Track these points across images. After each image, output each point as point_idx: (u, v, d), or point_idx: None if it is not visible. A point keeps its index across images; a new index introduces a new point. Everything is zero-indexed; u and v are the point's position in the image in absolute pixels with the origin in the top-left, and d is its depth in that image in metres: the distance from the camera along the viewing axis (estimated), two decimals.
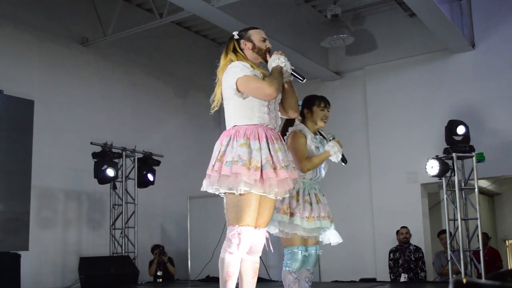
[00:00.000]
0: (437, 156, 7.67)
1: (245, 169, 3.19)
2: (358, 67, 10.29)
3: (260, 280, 8.60)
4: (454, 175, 7.57)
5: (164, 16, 8.56)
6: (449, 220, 7.71)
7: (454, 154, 7.54)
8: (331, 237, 4.07)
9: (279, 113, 3.59)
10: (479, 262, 7.40)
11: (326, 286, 8.06)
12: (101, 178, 8.23)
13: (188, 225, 9.36)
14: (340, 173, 9.20)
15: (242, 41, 3.59)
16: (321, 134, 4.26)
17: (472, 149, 7.60)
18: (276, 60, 3.49)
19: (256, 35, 3.60)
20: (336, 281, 8.82)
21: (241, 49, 3.57)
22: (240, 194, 3.25)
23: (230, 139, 3.34)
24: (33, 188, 7.43)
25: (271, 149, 3.31)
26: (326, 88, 10.34)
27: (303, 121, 4.18)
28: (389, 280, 8.60)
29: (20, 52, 8.09)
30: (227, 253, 3.30)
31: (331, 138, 4.09)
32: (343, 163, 4.10)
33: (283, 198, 3.83)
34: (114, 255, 8.48)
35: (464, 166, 7.84)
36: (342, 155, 4.03)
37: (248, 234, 3.30)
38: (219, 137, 3.44)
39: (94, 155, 8.30)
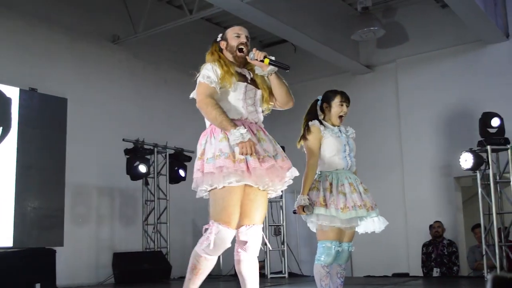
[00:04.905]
0: (471, 149, 7.56)
1: (229, 162, 3.07)
2: (389, 60, 10.17)
3: (292, 275, 8.62)
4: (489, 168, 7.45)
5: (194, 13, 8.58)
6: (483, 214, 7.59)
7: (488, 147, 7.43)
8: (375, 225, 4.08)
9: (260, 108, 3.45)
10: None
11: (358, 281, 8.02)
12: (133, 174, 8.32)
13: None
14: (372, 167, 9.15)
15: (221, 42, 3.50)
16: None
17: (507, 141, 7.47)
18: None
19: (230, 33, 3.48)
20: (369, 276, 8.77)
21: (221, 50, 3.48)
22: (222, 188, 3.12)
23: (207, 137, 3.28)
24: (67, 185, 7.56)
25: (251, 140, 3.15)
26: (357, 82, 10.26)
27: (323, 116, 4.22)
28: (421, 274, 8.52)
29: (53, 51, 8.21)
30: (198, 246, 3.18)
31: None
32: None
33: (318, 191, 3.91)
34: (147, 250, 8.57)
35: (499, 159, 7.70)
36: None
37: (220, 232, 3.12)
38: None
39: (126, 151, 8.39)
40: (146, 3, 8.98)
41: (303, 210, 3.89)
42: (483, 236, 7.51)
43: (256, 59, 3.33)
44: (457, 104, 9.25)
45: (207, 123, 3.41)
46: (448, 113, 9.32)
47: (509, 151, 7.42)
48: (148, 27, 8.92)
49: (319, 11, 9.20)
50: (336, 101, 4.18)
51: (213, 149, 3.17)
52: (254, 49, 3.37)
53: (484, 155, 7.51)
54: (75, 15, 8.55)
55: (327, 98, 4.22)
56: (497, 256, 7.23)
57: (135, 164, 8.27)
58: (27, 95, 7.35)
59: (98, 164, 8.45)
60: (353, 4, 9.59)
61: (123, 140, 8.33)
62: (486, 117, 7.60)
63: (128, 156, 8.37)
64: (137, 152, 8.41)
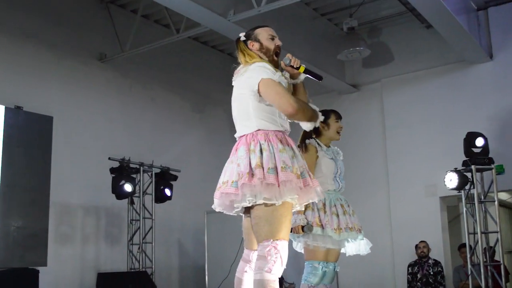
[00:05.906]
0: (455, 168, 7.60)
1: (294, 177, 2.87)
2: (375, 79, 10.26)
3: None
4: (474, 187, 7.50)
5: (181, 32, 8.61)
6: (469, 233, 7.62)
7: (473, 167, 7.48)
8: (360, 247, 4.12)
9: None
10: (500, 276, 7.30)
11: None
12: (119, 193, 8.26)
13: (206, 240, 9.34)
14: (358, 186, 9.16)
15: (249, 42, 3.28)
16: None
17: (491, 161, 7.52)
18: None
19: (263, 33, 3.28)
20: None
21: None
22: (282, 205, 2.89)
23: (265, 145, 2.96)
24: (51, 204, 7.48)
25: (300, 157, 3.02)
26: (343, 101, 10.32)
27: (316, 135, 4.22)
28: None
29: (39, 69, 8.16)
30: (266, 273, 2.84)
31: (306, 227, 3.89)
32: None
33: (313, 211, 3.91)
34: (132, 270, 8.48)
35: (483, 178, 7.76)
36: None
37: (285, 249, 2.91)
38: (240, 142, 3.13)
39: (112, 170, 8.33)
40: (133, 22, 8.99)
41: (302, 230, 3.87)
42: (468, 256, 7.53)
43: (292, 66, 3.19)
44: (441, 123, 9.33)
45: (252, 128, 3.08)
46: (433, 133, 9.39)
47: (493, 170, 7.48)
48: (135, 45, 8.92)
49: (305, 31, 9.28)
50: (332, 119, 4.28)
51: (274, 160, 2.90)
52: (289, 55, 3.21)
53: (469, 174, 7.56)
54: (62, 33, 8.53)
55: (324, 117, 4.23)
56: (482, 276, 7.24)
57: (120, 183, 8.22)
58: (12, 113, 7.30)
59: (83, 183, 8.39)
60: (339, 24, 9.68)
61: (109, 158, 8.28)
62: (471, 137, 7.66)
63: (113, 175, 8.31)
64: (122, 171, 8.36)
